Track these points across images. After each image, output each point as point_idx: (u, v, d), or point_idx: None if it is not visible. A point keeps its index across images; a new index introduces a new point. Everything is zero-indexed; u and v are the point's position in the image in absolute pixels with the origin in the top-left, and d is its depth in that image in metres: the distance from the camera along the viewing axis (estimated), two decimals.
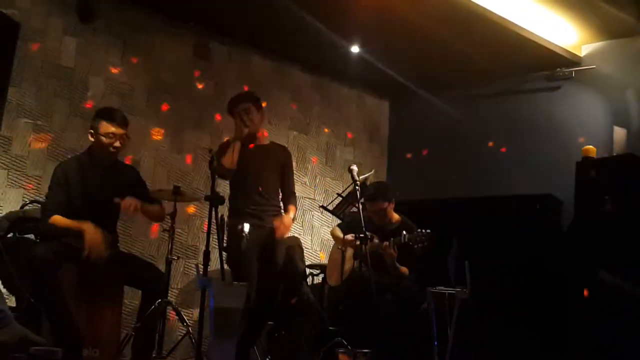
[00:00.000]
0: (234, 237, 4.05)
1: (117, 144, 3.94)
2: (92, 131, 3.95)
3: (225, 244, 4.06)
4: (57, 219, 3.79)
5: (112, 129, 3.91)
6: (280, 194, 4.48)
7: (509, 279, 5.27)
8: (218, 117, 6.03)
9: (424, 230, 4.59)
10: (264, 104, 4.53)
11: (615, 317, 4.54)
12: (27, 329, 3.39)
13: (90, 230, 3.72)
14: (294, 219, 4.40)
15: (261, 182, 4.32)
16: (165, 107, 5.74)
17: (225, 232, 4.01)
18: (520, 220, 5.57)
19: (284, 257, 4.36)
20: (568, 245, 5.25)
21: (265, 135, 4.72)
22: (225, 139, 4.71)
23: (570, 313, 4.90)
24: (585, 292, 4.66)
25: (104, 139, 3.91)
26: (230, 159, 4.18)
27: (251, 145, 4.36)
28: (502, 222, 5.61)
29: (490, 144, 6.61)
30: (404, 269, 4.80)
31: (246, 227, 3.95)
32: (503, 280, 5.26)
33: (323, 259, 6.51)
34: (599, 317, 4.63)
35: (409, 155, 7.23)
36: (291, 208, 4.43)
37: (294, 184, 4.56)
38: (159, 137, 5.68)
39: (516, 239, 5.41)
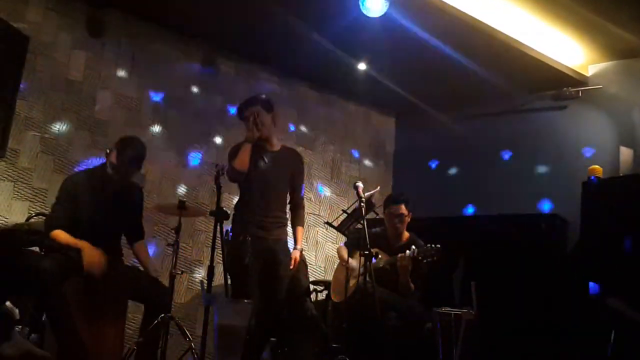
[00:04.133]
0: (236, 248, 3.99)
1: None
2: (107, 151, 4.00)
3: (226, 253, 4.00)
4: (58, 233, 3.80)
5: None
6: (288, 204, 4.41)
7: (514, 300, 5.24)
8: (224, 131, 6.05)
9: (433, 245, 4.58)
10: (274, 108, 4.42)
11: (621, 339, 4.51)
12: (30, 342, 3.39)
13: (89, 249, 3.73)
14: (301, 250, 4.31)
15: (269, 191, 4.23)
16: (172, 121, 5.75)
17: (228, 240, 3.95)
18: (525, 240, 5.55)
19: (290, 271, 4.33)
20: (574, 266, 5.23)
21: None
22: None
23: (576, 334, 4.87)
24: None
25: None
26: (240, 162, 4.11)
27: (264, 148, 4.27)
28: (507, 242, 5.59)
29: (496, 161, 6.60)
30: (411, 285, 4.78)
31: (248, 239, 3.89)
32: (509, 301, 5.23)
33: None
34: (605, 337, 4.60)
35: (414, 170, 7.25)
36: (299, 231, 4.36)
37: (302, 195, 4.44)
38: (165, 151, 5.69)
39: (522, 259, 5.38)
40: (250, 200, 4.22)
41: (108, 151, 3.98)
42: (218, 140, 6.04)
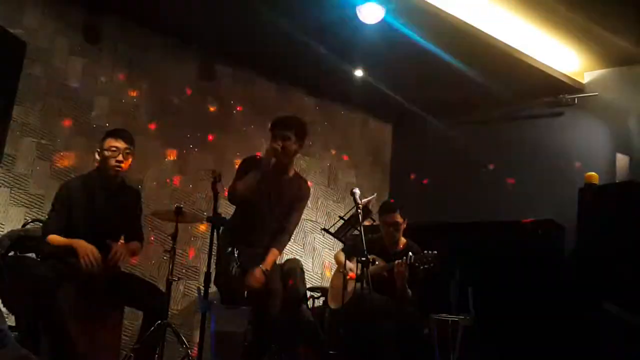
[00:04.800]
0: (223, 259, 3.96)
1: (120, 157, 3.93)
2: (98, 150, 3.99)
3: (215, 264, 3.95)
4: (52, 237, 3.80)
5: (115, 143, 3.94)
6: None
7: (512, 306, 5.23)
8: (221, 138, 6.05)
9: (430, 252, 4.57)
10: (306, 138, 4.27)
11: (619, 346, 4.51)
12: (26, 349, 3.37)
13: (82, 245, 3.71)
14: (265, 271, 4.09)
15: (265, 216, 4.19)
16: (169, 127, 5.75)
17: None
18: (522, 246, 5.54)
19: (283, 279, 4.31)
20: (570, 272, 5.23)
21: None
22: (258, 154, 4.53)
23: (574, 340, 4.87)
24: None
25: (106, 153, 3.93)
26: (244, 186, 4.03)
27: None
28: (504, 248, 5.58)
29: (492, 168, 6.61)
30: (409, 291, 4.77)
31: (236, 251, 3.86)
32: (506, 307, 5.23)
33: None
34: (603, 345, 4.60)
35: (412, 176, 7.24)
36: (272, 253, 4.17)
37: (294, 222, 4.33)
38: (163, 157, 5.69)
39: (518, 265, 5.38)
40: (244, 219, 4.19)
41: (99, 150, 3.97)
42: (215, 146, 6.03)
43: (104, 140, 3.98)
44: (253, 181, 4.04)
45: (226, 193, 4.25)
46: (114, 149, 3.93)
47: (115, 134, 4.00)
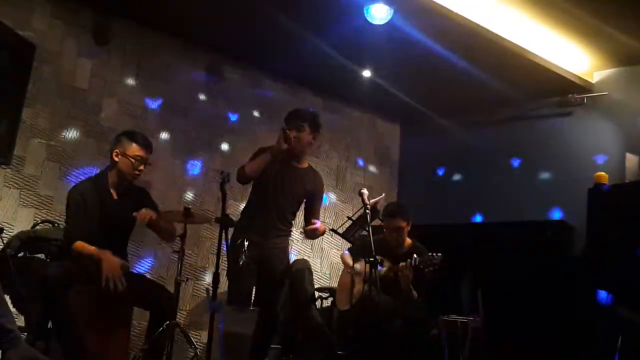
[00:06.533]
0: (233, 251, 3.96)
1: (142, 167, 3.97)
2: (117, 151, 3.96)
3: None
4: (80, 245, 3.73)
5: (142, 153, 3.96)
6: (295, 218, 4.38)
7: (521, 307, 5.22)
8: (229, 138, 6.06)
9: (435, 254, 4.56)
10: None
11: (629, 347, 4.49)
12: (35, 349, 3.39)
13: (109, 260, 3.67)
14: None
15: (276, 203, 4.20)
16: (177, 128, 5.76)
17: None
18: (532, 247, 5.53)
19: (292, 279, 4.32)
20: (580, 272, 5.21)
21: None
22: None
23: (583, 341, 4.85)
24: None
25: (132, 160, 3.93)
26: (252, 167, 4.07)
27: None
28: (513, 249, 5.57)
29: (501, 168, 6.59)
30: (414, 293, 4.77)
31: (246, 242, 3.86)
32: (516, 308, 5.21)
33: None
34: (613, 346, 4.58)
35: (420, 177, 7.23)
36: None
37: (319, 214, 4.40)
38: (171, 158, 5.70)
39: (528, 266, 5.37)
40: (255, 207, 4.22)
41: (117, 151, 3.96)
42: (223, 147, 6.05)
43: (128, 145, 3.95)
44: (263, 162, 4.07)
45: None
46: (139, 158, 3.95)
47: (144, 144, 4.00)
